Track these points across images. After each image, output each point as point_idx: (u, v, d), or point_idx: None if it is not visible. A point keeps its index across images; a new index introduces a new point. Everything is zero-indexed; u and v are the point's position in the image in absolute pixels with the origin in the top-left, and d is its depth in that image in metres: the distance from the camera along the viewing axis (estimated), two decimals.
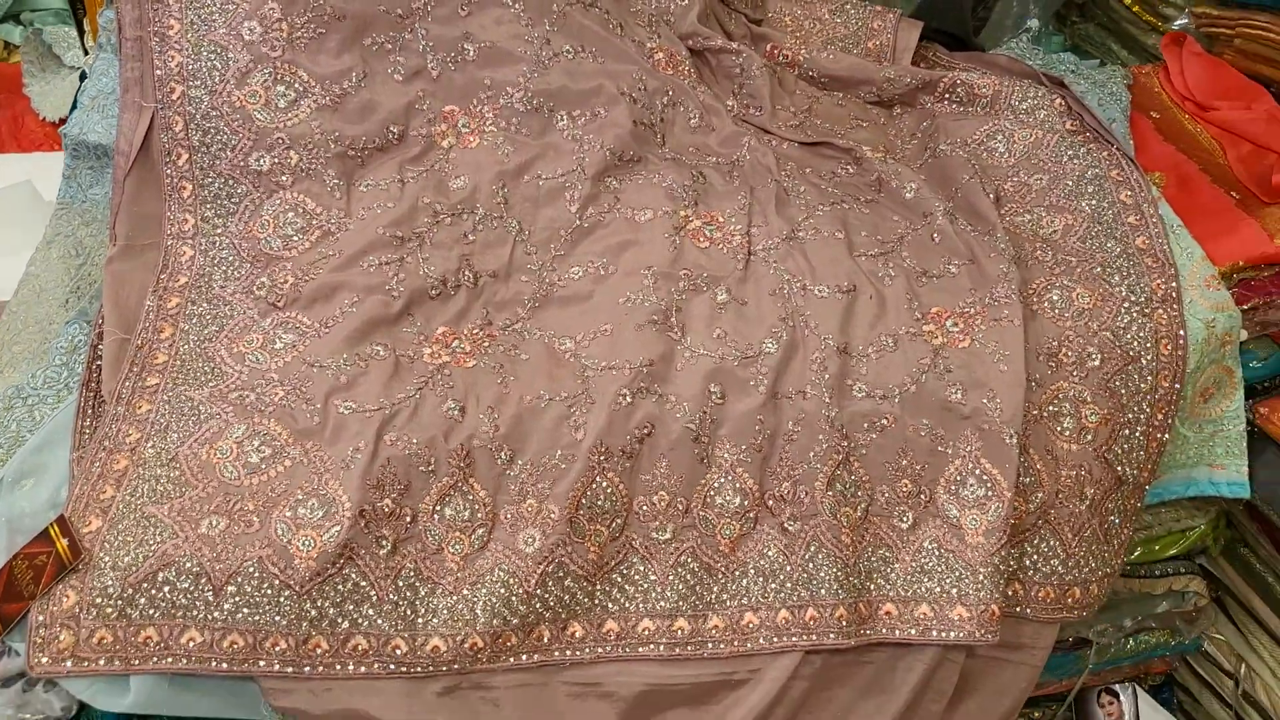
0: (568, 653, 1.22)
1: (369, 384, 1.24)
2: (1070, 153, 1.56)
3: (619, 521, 1.25)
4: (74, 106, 1.55)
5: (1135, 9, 2.02)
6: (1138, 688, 1.78)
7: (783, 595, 1.26)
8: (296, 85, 1.39)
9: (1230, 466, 1.50)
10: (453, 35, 1.47)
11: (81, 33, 1.83)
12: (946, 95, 1.70)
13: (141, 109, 1.38)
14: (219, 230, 1.37)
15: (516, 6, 1.49)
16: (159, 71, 1.38)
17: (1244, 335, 1.46)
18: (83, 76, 1.60)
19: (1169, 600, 1.69)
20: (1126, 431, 1.36)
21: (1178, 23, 1.87)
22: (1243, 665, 1.72)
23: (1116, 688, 1.80)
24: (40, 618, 1.08)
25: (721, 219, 1.44)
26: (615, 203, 1.45)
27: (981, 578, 1.26)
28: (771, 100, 1.64)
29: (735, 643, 1.25)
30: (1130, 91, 1.74)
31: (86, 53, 1.80)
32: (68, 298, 1.40)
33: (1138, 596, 1.67)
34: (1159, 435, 1.38)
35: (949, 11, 1.93)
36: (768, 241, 1.42)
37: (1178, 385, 1.38)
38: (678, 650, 1.24)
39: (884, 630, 1.27)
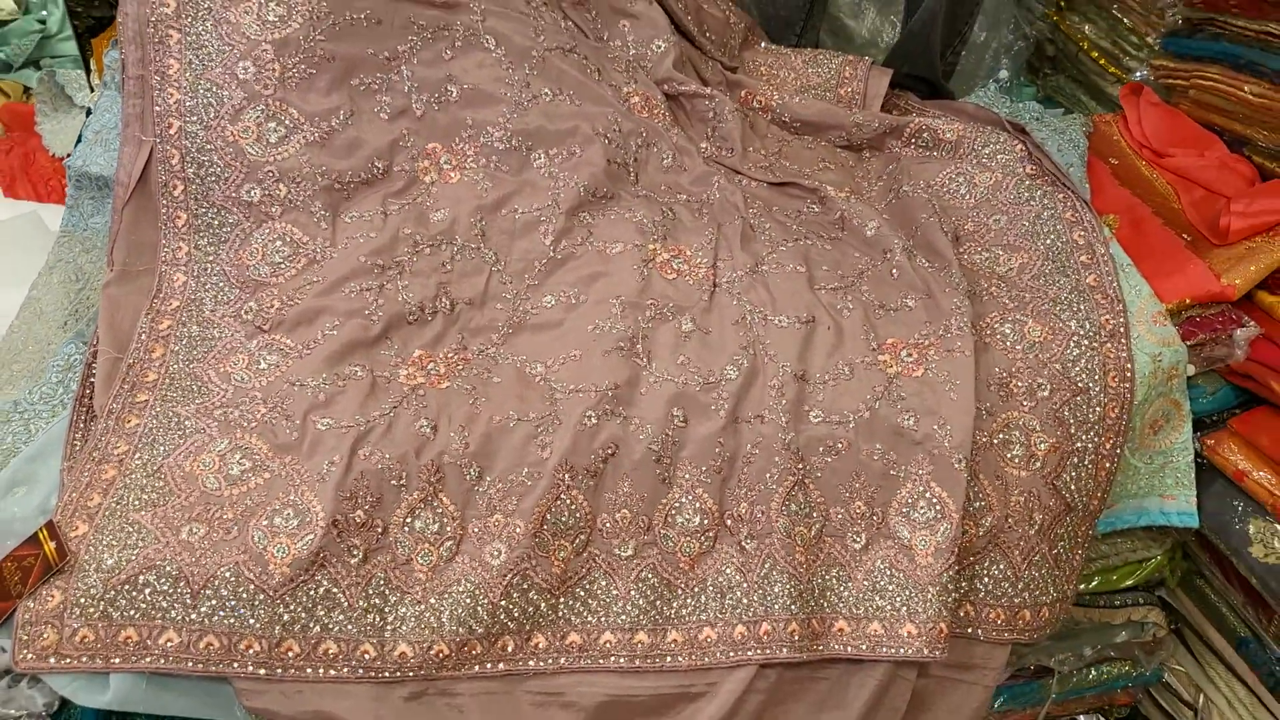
0: (531, 662, 1.28)
1: (346, 402, 1.31)
2: (1028, 195, 1.63)
3: (582, 537, 1.31)
4: (79, 141, 1.64)
5: (1101, 61, 2.10)
6: (1102, 719, 1.82)
7: (739, 611, 1.31)
8: (287, 122, 1.47)
9: (1180, 497, 1.55)
10: (437, 77, 1.55)
11: (89, 72, 1.92)
12: (913, 140, 1.77)
13: (141, 143, 1.46)
14: (210, 257, 1.45)
15: (499, 51, 1.57)
16: (158, 107, 1.46)
17: (1191, 370, 1.52)
18: (88, 113, 1.68)
19: (1128, 630, 1.73)
20: (1075, 459, 1.41)
21: (1137, 74, 1.95)
22: (1201, 696, 1.76)
23: (1082, 718, 1.84)
24: (26, 616, 1.13)
25: (689, 252, 1.51)
26: (588, 236, 1.52)
27: (930, 596, 1.31)
28: (743, 142, 1.71)
29: (693, 656, 1.30)
30: (1089, 139, 1.82)
31: (92, 90, 1.89)
32: (66, 320, 1.47)
33: (1097, 626, 1.71)
34: (1107, 464, 1.44)
35: (919, 57, 2.02)
36: (732, 274, 1.48)
37: (1125, 416, 1.44)
38: (638, 662, 1.29)
39: (836, 646, 1.32)
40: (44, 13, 2.69)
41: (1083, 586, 1.65)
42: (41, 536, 1.17)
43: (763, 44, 1.99)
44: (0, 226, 1.62)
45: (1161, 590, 1.76)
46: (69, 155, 1.79)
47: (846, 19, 2.42)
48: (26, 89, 2.52)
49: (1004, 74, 2.20)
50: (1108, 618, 1.70)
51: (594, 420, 1.32)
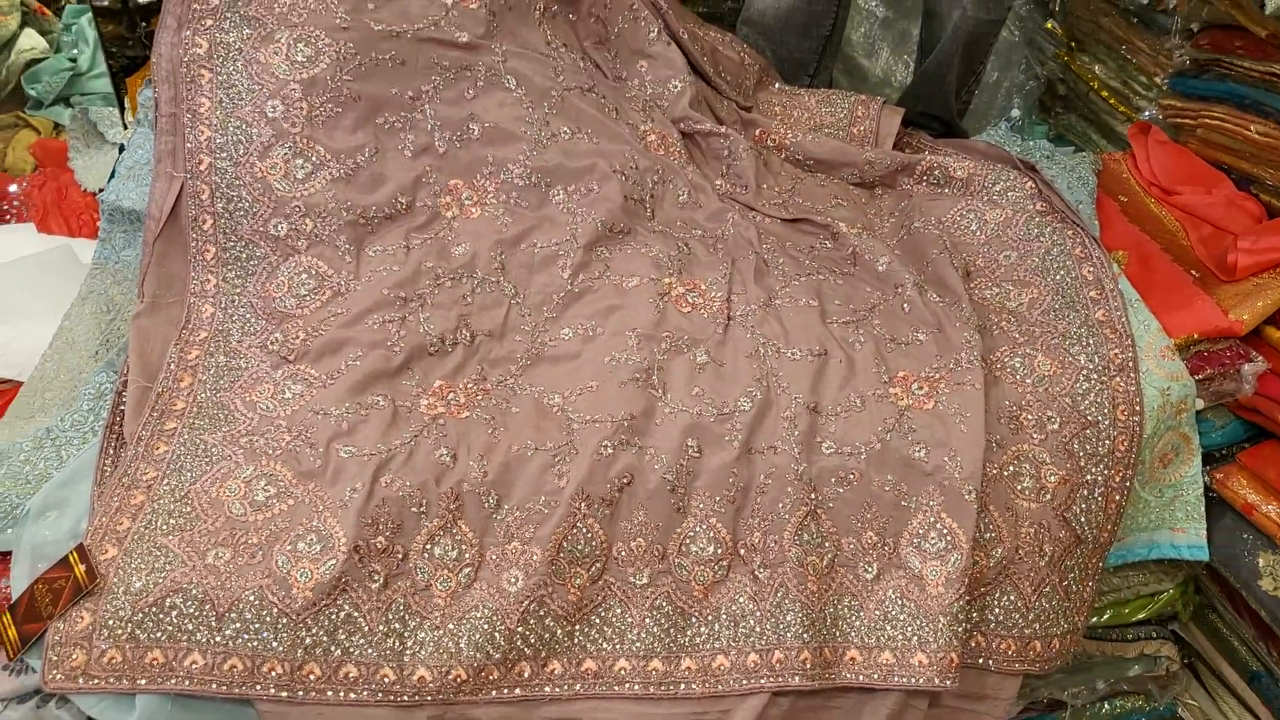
0: (547, 689, 1.29)
1: (368, 431, 1.34)
2: (1038, 231, 1.66)
3: (598, 565, 1.33)
4: (112, 175, 1.68)
5: (1111, 101, 2.14)
6: None
7: (752, 639, 1.33)
8: (314, 158, 1.52)
9: (1190, 530, 1.56)
10: (459, 116, 1.59)
11: (122, 110, 1.98)
12: (924, 177, 1.81)
13: (172, 178, 1.51)
14: (238, 290, 1.49)
15: (519, 91, 1.62)
16: (189, 144, 1.51)
17: (1200, 404, 1.54)
18: (121, 149, 1.73)
19: (1141, 664, 1.74)
20: (1085, 492, 1.43)
21: (1146, 113, 1.99)
22: None
23: None
24: (56, 637, 1.16)
25: (703, 286, 1.55)
26: (605, 270, 1.56)
27: (941, 626, 1.32)
28: (756, 180, 1.75)
29: (707, 684, 1.32)
30: (1098, 176, 1.85)
31: (125, 127, 1.94)
32: (97, 349, 1.51)
33: (1110, 659, 1.72)
34: (1116, 496, 1.45)
35: (934, 97, 2.06)
36: (746, 308, 1.51)
37: (1134, 449, 1.45)
38: (652, 690, 1.31)
39: (848, 675, 1.33)
40: (75, 51, 2.77)
41: (1095, 620, 1.66)
42: (72, 559, 1.20)
43: (776, 85, 2.03)
44: (34, 259, 1.66)
45: (1174, 624, 1.76)
46: (101, 190, 1.85)
47: (861, 58, 2.47)
48: (57, 125, 2.60)
49: (1016, 113, 2.25)
50: (1120, 651, 1.71)
51: (610, 450, 1.34)
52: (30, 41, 2.77)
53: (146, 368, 1.42)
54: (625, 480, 1.34)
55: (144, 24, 2.02)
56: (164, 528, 1.25)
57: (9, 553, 1.27)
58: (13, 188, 2.12)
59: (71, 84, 2.71)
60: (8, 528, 1.27)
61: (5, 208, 2.09)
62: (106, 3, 1.96)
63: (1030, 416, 1.44)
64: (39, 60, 2.74)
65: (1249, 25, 1.73)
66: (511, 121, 1.60)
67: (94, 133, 2.18)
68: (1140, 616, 1.70)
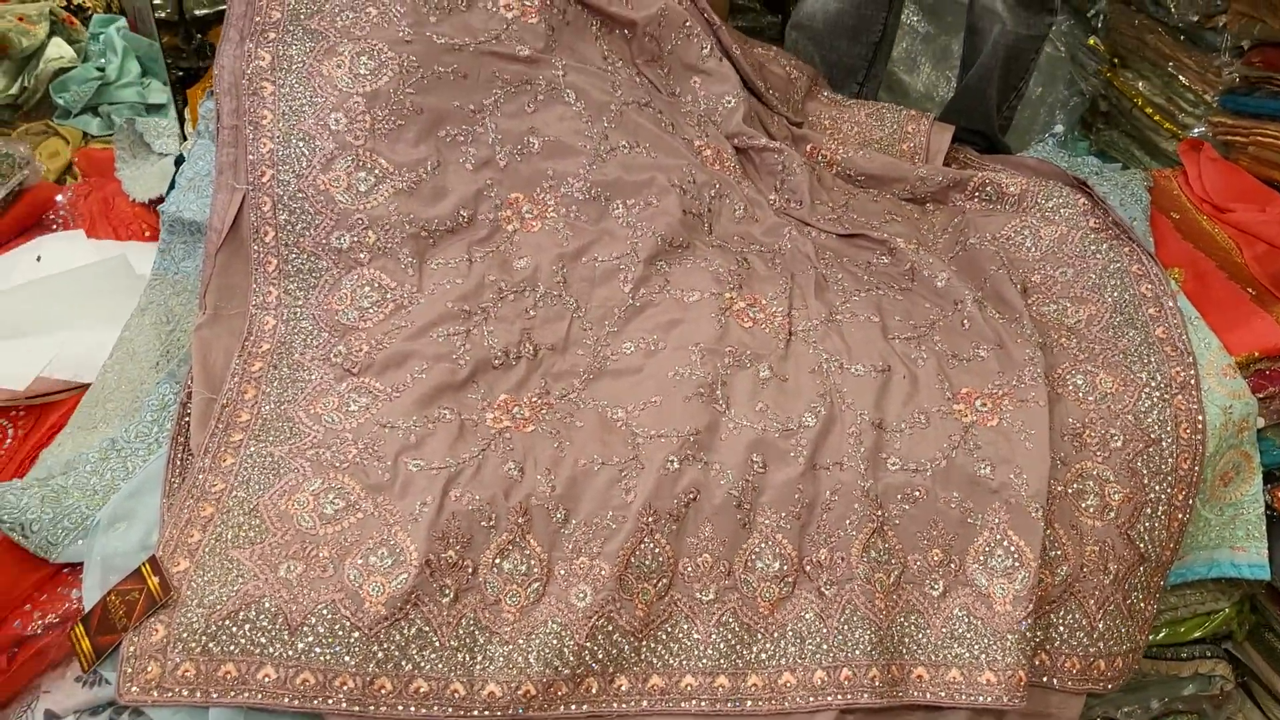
0: (614, 705, 1.29)
1: (436, 444, 1.34)
2: (1093, 248, 1.66)
3: (665, 581, 1.33)
4: (171, 186, 1.69)
5: (1156, 117, 2.14)
6: None
7: (819, 656, 1.32)
8: (376, 171, 1.52)
9: (1251, 549, 1.55)
10: (520, 129, 1.59)
11: (182, 121, 1.98)
12: (976, 193, 1.81)
13: (234, 190, 1.51)
14: (300, 302, 1.49)
15: (578, 105, 1.62)
16: (251, 156, 1.51)
17: (1261, 423, 1.53)
18: (179, 161, 1.73)
19: (1195, 683, 1.73)
20: (1148, 510, 1.43)
21: (1195, 130, 1.98)
22: None
23: None
24: (130, 649, 1.16)
25: (764, 301, 1.54)
26: (665, 284, 1.56)
27: (1009, 644, 1.31)
28: (810, 195, 1.75)
29: (773, 701, 1.31)
30: (1150, 193, 1.85)
31: (185, 139, 1.95)
32: (158, 360, 1.51)
33: (1164, 678, 1.71)
34: (1180, 515, 1.45)
35: (975, 111, 2.06)
36: (807, 323, 1.51)
37: (1197, 467, 1.45)
38: (718, 706, 1.30)
39: (915, 693, 1.33)
40: (103, 60, 2.78)
41: (1151, 638, 1.65)
42: (145, 571, 1.20)
43: (825, 94, 2.03)
44: (91, 269, 1.66)
45: (1229, 643, 1.75)
46: (151, 200, 1.85)
47: (902, 74, 2.47)
48: (85, 134, 2.61)
49: (1059, 128, 2.24)
50: (1175, 670, 1.70)
51: (676, 465, 1.34)
52: (58, 50, 2.78)
53: (210, 379, 1.42)
54: (691, 496, 1.34)
55: (199, 35, 2.03)
56: (234, 540, 1.24)
57: (78, 564, 1.27)
58: (59, 197, 2.12)
59: (100, 93, 2.72)
60: (78, 539, 1.27)
61: (52, 217, 2.10)
62: (164, 14, 1.97)
63: (1093, 434, 1.43)
64: (67, 69, 2.75)
65: None
66: (571, 135, 1.61)
67: (140, 143, 2.18)
68: (1196, 635, 1.69)
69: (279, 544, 1.25)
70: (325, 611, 1.20)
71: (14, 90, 2.68)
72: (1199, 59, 2.00)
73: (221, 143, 1.53)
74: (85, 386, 1.50)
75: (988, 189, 1.79)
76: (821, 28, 2.08)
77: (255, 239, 1.50)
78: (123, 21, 2.75)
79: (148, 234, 1.90)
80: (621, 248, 1.57)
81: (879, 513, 1.35)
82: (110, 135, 2.51)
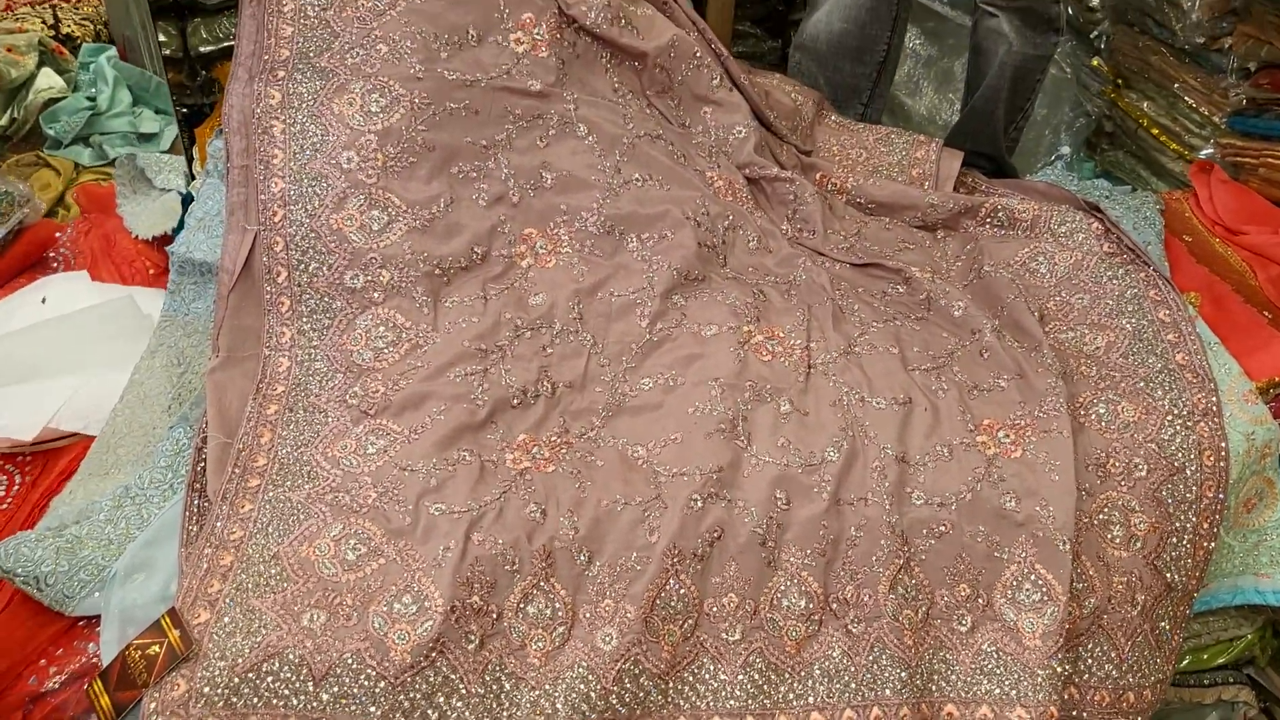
0: None
1: (457, 487, 1.32)
2: (1109, 274, 1.65)
3: (690, 622, 1.31)
4: (180, 226, 1.67)
5: (1162, 138, 2.14)
6: None
7: (847, 695, 1.31)
8: (389, 209, 1.51)
9: (1275, 575, 1.54)
10: (532, 164, 1.58)
11: (190, 160, 1.96)
12: (988, 219, 1.80)
13: (245, 230, 1.49)
14: (314, 343, 1.47)
15: (590, 139, 1.61)
16: (262, 196, 1.50)
17: None
18: (187, 200, 1.72)
19: (1219, 710, 1.71)
20: (1174, 540, 1.42)
21: (1204, 152, 1.98)
22: None
23: None
24: (152, 705, 1.13)
25: (782, 334, 1.53)
26: (682, 318, 1.54)
27: (1040, 680, 1.30)
28: (823, 224, 1.74)
29: None
30: (1163, 216, 1.85)
31: (193, 178, 1.93)
32: (170, 404, 1.49)
33: (1188, 706, 1.69)
34: (1205, 544, 1.44)
35: (982, 134, 2.06)
36: (826, 355, 1.50)
37: (1221, 495, 1.44)
38: None
39: None
40: (93, 90, 2.77)
41: None
42: (165, 624, 1.17)
43: (832, 118, 2.03)
44: (98, 310, 1.64)
45: (1251, 669, 1.74)
46: (157, 239, 1.83)
47: (904, 97, 2.47)
48: (77, 165, 2.58)
49: (1065, 150, 2.24)
50: (1198, 697, 1.69)
51: (699, 504, 1.33)
52: (48, 81, 2.75)
53: (225, 423, 1.40)
54: (715, 535, 1.32)
55: (204, 71, 2.02)
56: (255, 589, 1.22)
57: (95, 617, 1.25)
58: (59, 235, 2.10)
59: (91, 123, 2.69)
60: (95, 591, 1.25)
61: (53, 255, 2.08)
62: (169, 51, 1.95)
63: (1117, 463, 1.42)
64: (57, 99, 2.73)
65: None
66: (584, 169, 1.60)
67: (141, 178, 2.16)
68: (1219, 662, 1.68)
69: (301, 592, 1.23)
70: (350, 661, 1.18)
71: (3, 122, 2.65)
72: (1205, 80, 2.00)
73: (231, 182, 1.52)
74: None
75: (1000, 214, 1.79)
76: (825, 49, 2.07)
77: (268, 279, 1.49)
78: (113, 50, 2.73)
79: (151, 272, 1.88)
80: (637, 282, 1.56)
81: (905, 548, 1.34)
82: (102, 165, 2.50)
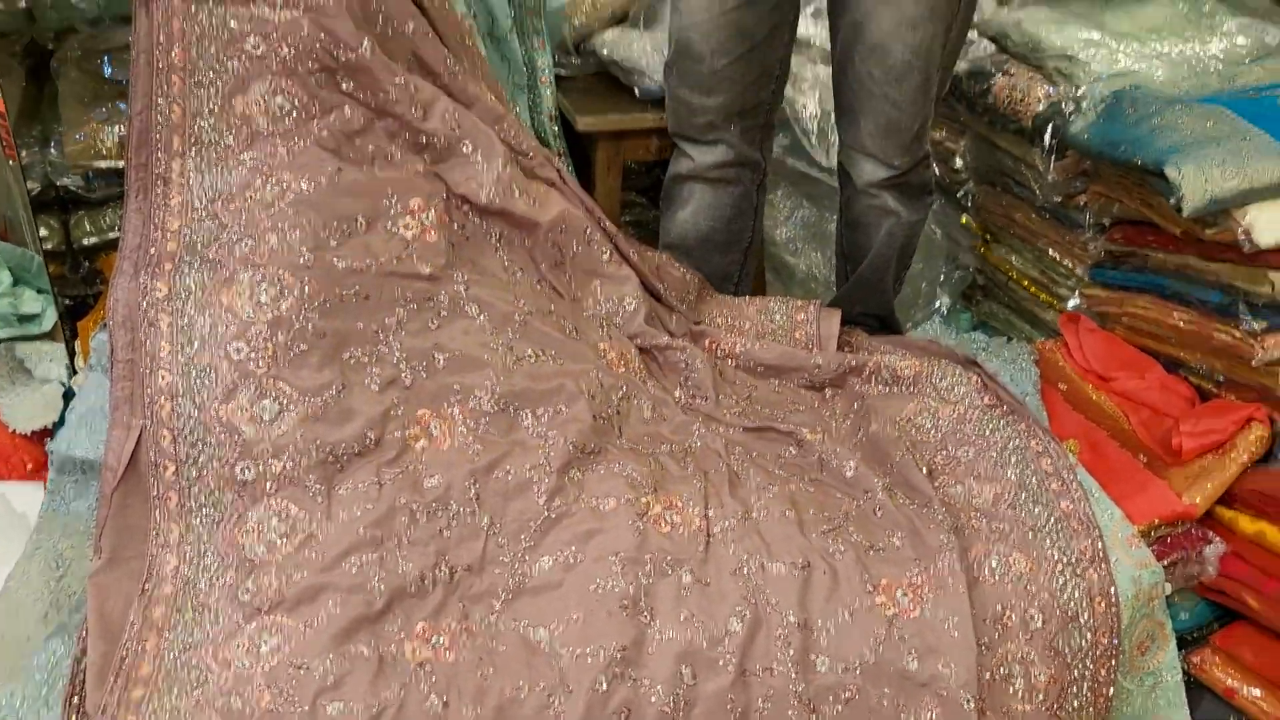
0: None
1: (355, 683, 1.28)
2: (991, 426, 1.71)
3: None
4: (60, 423, 1.63)
5: (1032, 290, 2.24)
6: None
7: None
8: (280, 399, 1.49)
9: (1175, 717, 1.57)
10: (424, 346, 1.59)
11: (71, 354, 1.93)
12: (873, 377, 1.86)
13: (130, 426, 1.46)
14: (205, 539, 1.43)
15: (482, 318, 1.63)
16: (149, 390, 1.47)
17: (1169, 589, 1.57)
18: (68, 395, 1.68)
19: None
20: (1074, 689, 1.44)
21: (1071, 303, 2.08)
22: None
23: None
24: None
25: (680, 503, 1.54)
26: (580, 493, 1.54)
27: None
28: (715, 390, 1.78)
29: None
30: (1038, 366, 1.93)
31: (75, 372, 1.89)
32: (47, 611, 1.42)
33: None
34: (1105, 690, 1.46)
35: (872, 299, 2.13)
36: (725, 523, 1.51)
37: (1116, 640, 1.47)
38: None
39: None
40: None
41: None
42: None
43: (713, 295, 2.08)
44: None
45: None
46: (36, 434, 1.78)
47: (786, 256, 2.56)
48: None
49: (942, 302, 2.34)
50: None
51: (604, 685, 1.31)
52: None
53: (108, 630, 1.34)
54: (623, 716, 1.30)
55: (87, 263, 2.00)
56: None
57: None
58: None
59: None
60: None
61: None
62: (51, 246, 1.94)
63: (1014, 615, 1.45)
64: None
65: (1161, 223, 1.84)
66: (477, 348, 1.61)
67: (20, 369, 2.11)
68: None
69: None
70: None
71: None
72: (1066, 235, 2.11)
73: (116, 377, 1.49)
74: None
75: (883, 373, 1.85)
76: (694, 244, 2.11)
77: (154, 475, 1.45)
78: None
79: (30, 467, 1.82)
80: (534, 458, 1.56)
81: (813, 716, 1.33)
82: None
